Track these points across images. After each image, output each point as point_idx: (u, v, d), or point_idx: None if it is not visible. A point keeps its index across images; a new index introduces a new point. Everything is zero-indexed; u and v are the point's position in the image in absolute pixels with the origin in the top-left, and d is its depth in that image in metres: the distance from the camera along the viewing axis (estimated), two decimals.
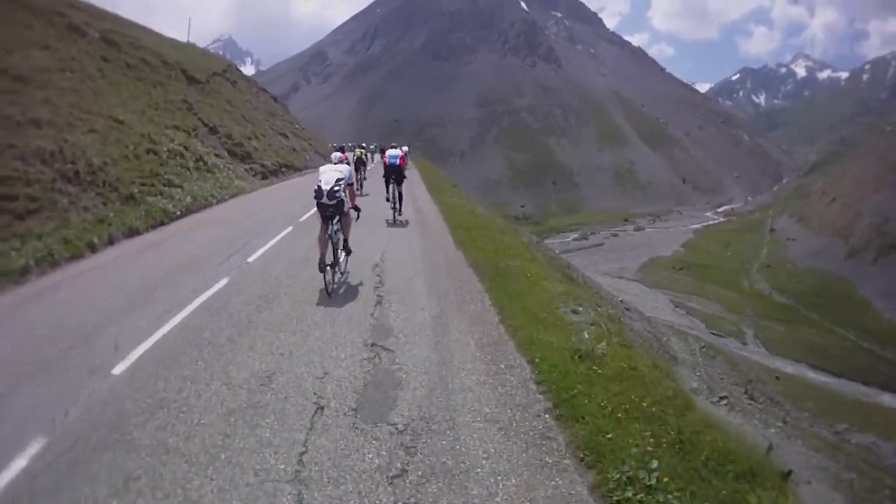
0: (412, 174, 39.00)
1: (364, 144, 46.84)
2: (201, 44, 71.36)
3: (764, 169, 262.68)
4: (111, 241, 16.82)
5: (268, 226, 20.18)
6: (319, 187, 12.61)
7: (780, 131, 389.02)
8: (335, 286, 12.83)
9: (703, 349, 52.57)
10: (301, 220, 21.30)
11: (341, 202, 12.73)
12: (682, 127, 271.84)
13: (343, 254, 13.78)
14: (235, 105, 49.55)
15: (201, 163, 30.32)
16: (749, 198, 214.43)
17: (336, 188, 12.62)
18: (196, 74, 44.92)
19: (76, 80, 26.79)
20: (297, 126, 69.37)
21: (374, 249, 16.82)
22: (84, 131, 22.24)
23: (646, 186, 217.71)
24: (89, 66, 29.80)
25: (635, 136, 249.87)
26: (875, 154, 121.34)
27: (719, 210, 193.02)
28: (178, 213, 22.22)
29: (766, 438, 34.19)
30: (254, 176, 38.98)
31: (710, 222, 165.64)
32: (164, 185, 24.00)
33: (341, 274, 13.67)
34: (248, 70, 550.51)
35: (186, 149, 29.61)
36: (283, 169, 45.64)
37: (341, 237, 13.50)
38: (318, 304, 11.52)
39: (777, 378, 51.57)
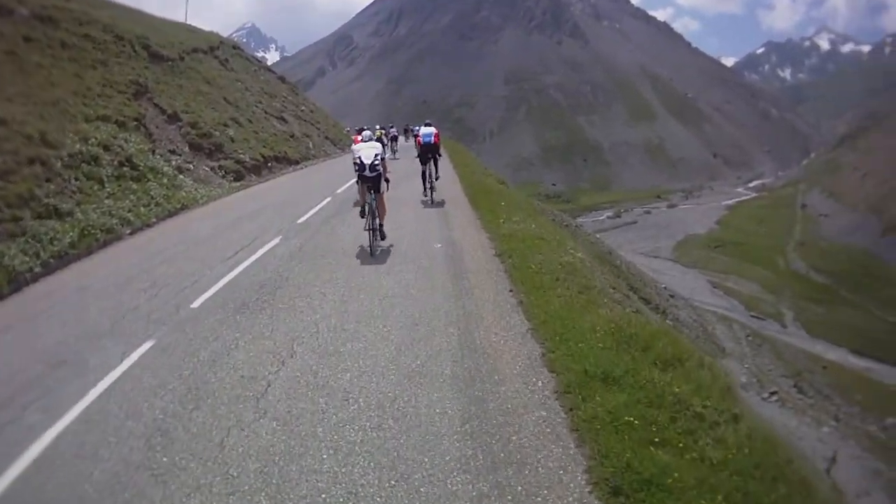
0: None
1: (385, 127, 46.03)
2: (224, 33, 67.01)
3: (793, 143, 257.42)
4: None
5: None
6: (361, 162, 14.88)
7: (806, 105, 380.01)
8: (373, 248, 14.82)
9: (749, 338, 51.62)
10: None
11: (379, 175, 15.05)
12: (711, 102, 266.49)
13: (380, 228, 15.26)
14: (217, 86, 42.36)
15: (127, 167, 22.81)
16: (779, 172, 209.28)
17: (376, 162, 14.90)
18: (164, 51, 37.82)
19: None
20: (303, 108, 61.09)
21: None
22: None
23: (677, 162, 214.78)
24: None
25: (665, 111, 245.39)
26: None
27: (750, 185, 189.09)
28: (36, 269, 14.61)
29: (821, 442, 33.17)
30: (223, 176, 31.22)
31: (743, 198, 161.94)
32: (37, 217, 16.51)
33: (381, 240, 15.33)
34: (273, 57, 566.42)
35: (107, 149, 22.47)
36: (269, 163, 37.45)
37: (381, 211, 15.30)
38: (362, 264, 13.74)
39: (824, 368, 49.43)
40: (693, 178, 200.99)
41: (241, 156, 34.40)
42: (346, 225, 18.43)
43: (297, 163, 42.08)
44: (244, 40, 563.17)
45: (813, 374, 46.88)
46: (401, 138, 53.77)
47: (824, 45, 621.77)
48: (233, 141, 35.17)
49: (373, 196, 14.88)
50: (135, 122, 27.08)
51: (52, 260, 15.32)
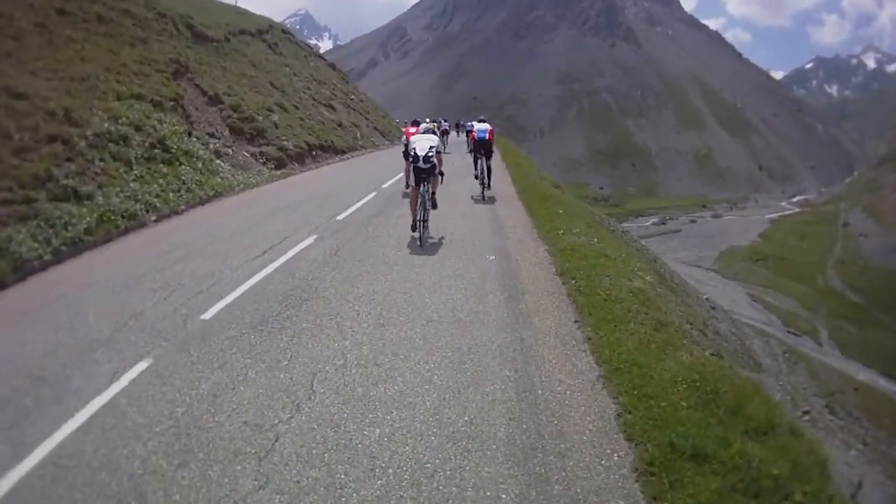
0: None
1: (437, 120, 43.75)
2: (277, 18, 66.02)
3: (837, 160, 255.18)
4: None
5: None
6: (416, 154, 14.80)
7: (850, 122, 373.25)
8: (423, 241, 14.67)
9: (786, 354, 50.47)
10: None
11: (434, 166, 14.97)
12: (759, 113, 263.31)
13: (430, 210, 15.27)
14: (263, 69, 41.19)
15: (159, 149, 20.95)
16: (822, 189, 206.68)
17: (430, 154, 14.80)
18: (209, 32, 37.01)
19: None
20: (352, 98, 59.41)
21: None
22: None
23: (723, 172, 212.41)
24: (22, 19, 22.82)
25: (713, 120, 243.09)
26: None
27: (794, 200, 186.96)
28: (45, 256, 13.07)
29: (848, 465, 31.76)
30: (263, 163, 29.31)
31: (786, 212, 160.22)
32: (53, 199, 14.90)
33: (432, 209, 15.47)
34: (325, 45, 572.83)
35: (139, 129, 20.64)
36: (314, 151, 35.56)
37: (431, 196, 15.29)
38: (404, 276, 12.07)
39: (855, 390, 48.50)
40: (738, 188, 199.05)
41: (285, 142, 32.68)
42: (390, 226, 16.71)
43: (344, 153, 40.51)
44: (297, 27, 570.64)
45: (844, 395, 46.07)
46: (452, 133, 52.80)
47: (870, 63, 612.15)
48: (276, 127, 33.48)
49: (426, 187, 14.89)
50: (172, 103, 25.45)
51: (64, 247, 13.57)
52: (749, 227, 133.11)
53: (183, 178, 20.78)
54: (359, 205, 19.98)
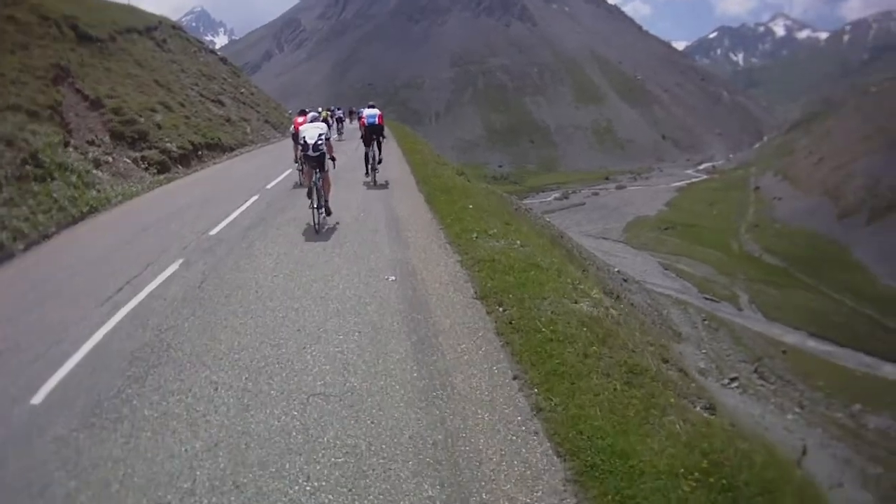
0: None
1: (331, 108, 46.77)
2: (174, 17, 64.67)
3: (744, 126, 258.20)
4: None
5: None
6: (305, 142, 15.17)
7: (759, 89, 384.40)
8: (319, 226, 15.13)
9: (705, 321, 50.63)
10: None
11: (323, 154, 15.40)
12: (661, 84, 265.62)
13: (326, 205, 15.85)
14: (149, 68, 38.85)
15: (31, 165, 18.80)
16: (730, 155, 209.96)
17: (319, 142, 15.18)
18: (93, 32, 34.19)
19: None
20: (243, 91, 57.56)
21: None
22: None
23: (625, 144, 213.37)
24: None
25: (613, 93, 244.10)
26: (860, 115, 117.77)
27: (700, 167, 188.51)
28: None
29: (787, 431, 32.56)
30: (146, 169, 26.96)
31: (693, 180, 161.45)
32: None
33: (327, 216, 15.86)
34: (221, 40, 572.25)
35: (10, 144, 18.71)
36: (199, 152, 33.31)
37: (326, 188, 15.90)
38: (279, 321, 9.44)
39: (784, 352, 48.08)
40: (642, 159, 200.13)
41: (168, 144, 30.11)
42: (269, 239, 14.83)
43: (233, 150, 38.41)
44: (193, 24, 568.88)
45: (773, 359, 45.72)
46: (346, 121, 53.46)
47: (780, 31, 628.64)
48: (160, 128, 31.04)
49: (318, 175, 15.33)
50: (49, 111, 23.53)
51: None
52: (655, 196, 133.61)
53: (55, 195, 18.66)
54: (237, 213, 18.13)
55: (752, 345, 48.04)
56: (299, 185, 21.25)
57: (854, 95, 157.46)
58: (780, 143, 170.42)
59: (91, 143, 25.01)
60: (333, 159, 16.42)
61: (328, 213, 15.89)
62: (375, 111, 23.64)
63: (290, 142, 26.94)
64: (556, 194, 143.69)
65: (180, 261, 12.89)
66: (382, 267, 11.94)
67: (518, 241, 13.64)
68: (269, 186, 23.09)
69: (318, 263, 12.26)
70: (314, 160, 15.19)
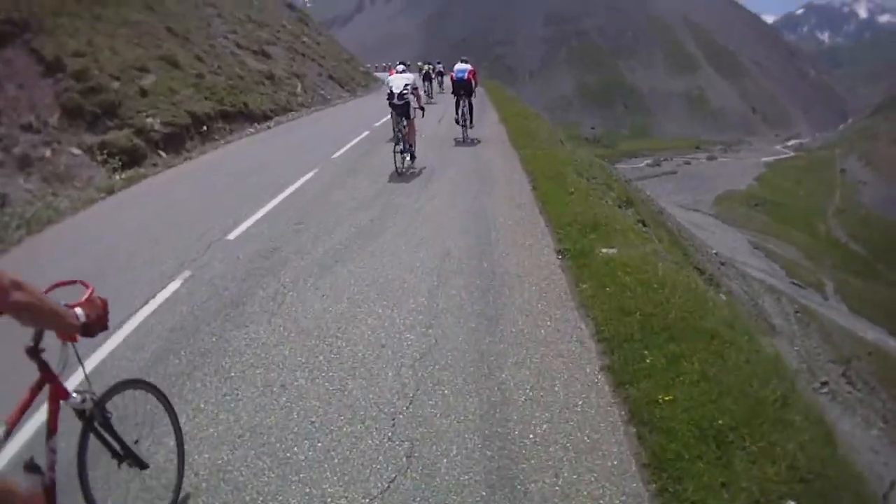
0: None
1: (430, 62, 43.45)
2: None
3: (829, 105, 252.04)
4: None
5: None
6: (391, 90, 16.04)
7: (842, 70, 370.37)
8: (404, 169, 15.87)
9: (797, 314, 49.01)
10: None
11: (408, 104, 16.07)
12: (751, 56, 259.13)
13: (410, 150, 16.55)
14: (162, 12, 29.73)
15: None
16: (816, 133, 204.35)
17: (404, 91, 15.96)
18: None
19: None
20: (305, 40, 48.80)
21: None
22: None
23: (716, 114, 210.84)
24: None
25: (705, 62, 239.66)
26: None
27: (788, 144, 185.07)
28: None
29: (874, 452, 30.01)
30: (103, 162, 17.12)
31: (781, 156, 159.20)
32: None
33: (411, 160, 16.58)
34: None
35: None
36: (206, 126, 23.40)
37: (410, 135, 16.49)
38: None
39: (869, 354, 47.09)
40: (732, 131, 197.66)
41: (148, 120, 20.19)
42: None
43: (268, 118, 29.05)
44: None
45: (860, 361, 44.34)
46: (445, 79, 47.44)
47: (862, 12, 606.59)
48: (143, 95, 21.43)
49: (403, 122, 16.10)
50: None
51: None
52: (745, 170, 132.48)
53: None
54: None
55: (840, 343, 47.18)
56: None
57: None
58: (863, 125, 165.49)
59: (27, 127, 16.38)
60: (422, 108, 17.16)
61: (413, 157, 16.64)
62: (466, 66, 22.20)
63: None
64: (648, 160, 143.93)
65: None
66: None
67: (660, 267, 8.56)
68: (274, 203, 12.99)
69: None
70: (399, 108, 15.99)
